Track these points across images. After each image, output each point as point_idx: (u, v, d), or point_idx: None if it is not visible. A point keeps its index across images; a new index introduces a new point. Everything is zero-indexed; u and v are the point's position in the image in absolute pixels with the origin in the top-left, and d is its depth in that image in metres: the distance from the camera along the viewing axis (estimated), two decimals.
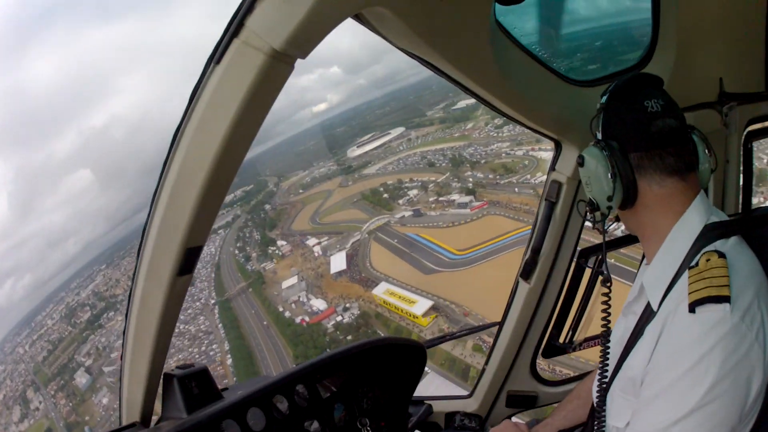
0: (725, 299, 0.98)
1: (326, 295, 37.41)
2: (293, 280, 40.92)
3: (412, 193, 45.54)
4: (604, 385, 1.27)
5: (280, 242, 49.06)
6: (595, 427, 1.26)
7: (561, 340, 2.07)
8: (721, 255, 1.05)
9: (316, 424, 1.69)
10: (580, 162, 1.30)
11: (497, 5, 1.42)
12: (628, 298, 1.35)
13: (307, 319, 35.39)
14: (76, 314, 44.54)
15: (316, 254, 44.00)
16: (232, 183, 1.07)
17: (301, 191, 58.45)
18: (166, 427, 1.37)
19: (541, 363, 2.27)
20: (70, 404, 35.26)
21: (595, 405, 1.34)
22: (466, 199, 40.06)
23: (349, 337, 31.47)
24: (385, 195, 48.00)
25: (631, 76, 1.27)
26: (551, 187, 1.91)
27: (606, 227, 1.32)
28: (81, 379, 36.15)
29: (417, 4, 1.15)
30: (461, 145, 49.48)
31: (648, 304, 1.19)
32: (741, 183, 2.15)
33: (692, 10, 1.67)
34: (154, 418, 1.47)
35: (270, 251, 48.30)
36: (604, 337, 1.31)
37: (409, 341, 1.91)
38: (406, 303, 31.95)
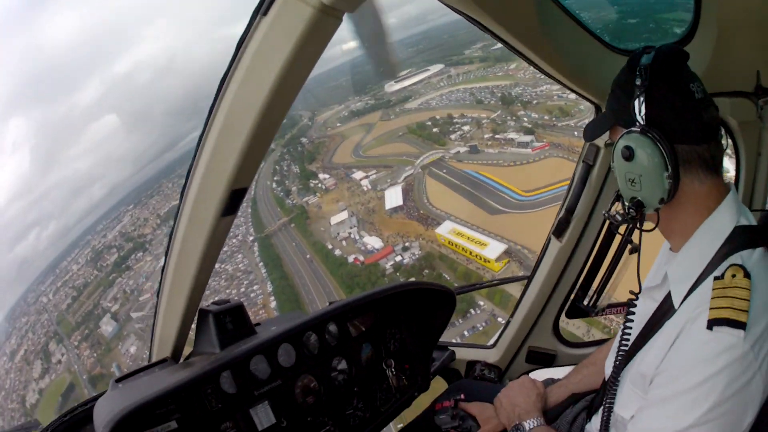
0: (742, 325, 1.14)
1: (381, 233, 39.07)
2: (343, 215, 42.79)
3: (465, 128, 47.74)
4: (618, 363, 1.47)
5: (322, 175, 51.65)
6: (605, 405, 1.49)
7: (586, 302, 2.41)
8: (747, 274, 1.20)
9: (343, 363, 2.06)
10: (628, 154, 1.31)
11: None
12: (648, 280, 1.54)
13: (361, 258, 36.96)
14: (102, 257, 46.64)
15: (365, 188, 46.06)
16: (277, 131, 1.32)
17: (338, 125, 61.97)
18: (198, 362, 1.73)
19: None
20: (95, 355, 36.58)
21: (606, 380, 1.55)
22: (527, 138, 41.37)
23: (411, 279, 32.17)
24: (435, 129, 50.44)
25: (668, 51, 1.32)
26: (589, 149, 2.19)
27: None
28: (107, 327, 37.65)
29: None
30: (507, 84, 52.10)
31: (669, 295, 1.36)
32: None
33: None
34: (185, 354, 1.84)
35: (312, 185, 51.20)
36: (626, 314, 1.50)
37: (440, 286, 2.32)
38: (477, 245, 33.10)
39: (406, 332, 2.35)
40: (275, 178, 55.07)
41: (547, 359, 2.75)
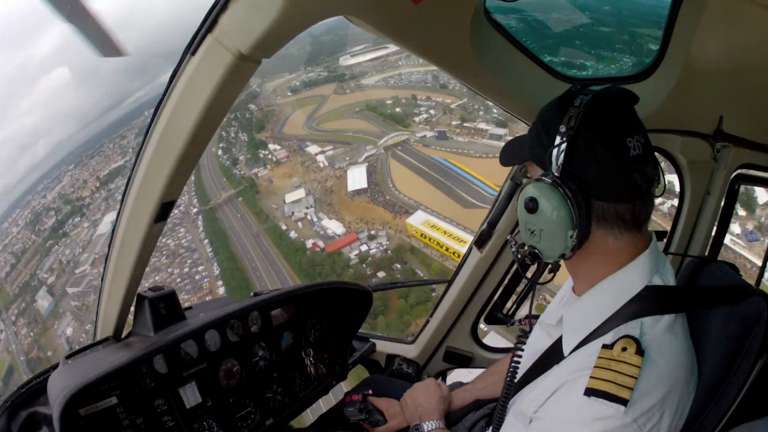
0: (622, 401, 1.15)
1: (342, 217, 37.25)
2: (299, 193, 41.01)
3: (432, 112, 46.53)
4: (506, 393, 1.53)
5: (272, 146, 49.31)
6: (494, 425, 1.56)
7: (504, 311, 2.67)
8: (640, 351, 1.19)
9: (265, 350, 2.36)
10: (531, 206, 1.28)
11: None
12: (546, 313, 1.60)
13: (321, 244, 35.07)
14: (40, 220, 44.69)
15: (321, 165, 44.18)
16: (203, 152, 1.59)
17: (289, 94, 60.32)
18: (135, 343, 2.03)
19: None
20: (32, 334, 34.97)
21: (500, 397, 1.59)
22: (500, 131, 40.07)
23: (381, 274, 31.21)
24: (398, 109, 48.94)
25: (609, 96, 1.27)
26: (518, 169, 2.34)
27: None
28: (43, 301, 35.91)
29: (387, 10, 1.47)
30: None
31: (561, 339, 1.40)
32: (716, 223, 2.62)
33: (706, 44, 2.00)
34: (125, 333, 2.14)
35: (261, 155, 48.88)
36: (518, 341, 1.51)
37: (357, 285, 2.60)
38: (455, 241, 30.72)
39: (326, 324, 2.66)
40: (221, 145, 52.62)
41: (463, 360, 3.05)
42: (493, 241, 2.59)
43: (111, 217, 40.15)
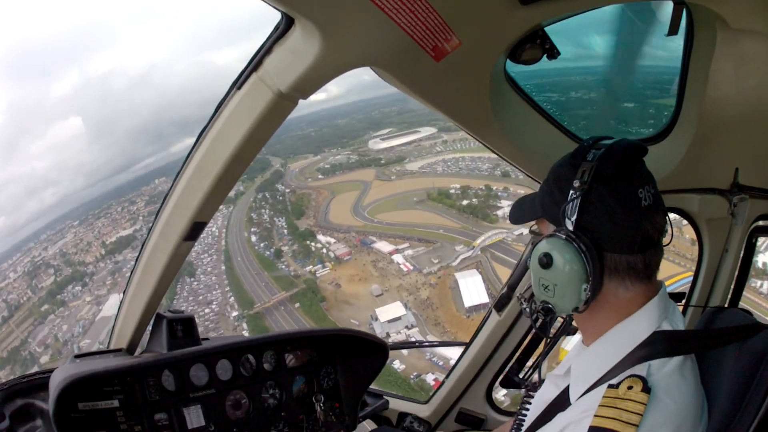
0: None
1: (457, 339, 33.10)
2: (396, 309, 35.95)
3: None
4: None
5: (323, 237, 48.58)
6: None
7: (521, 374, 2.76)
8: (647, 389, 1.20)
9: (275, 389, 2.50)
10: (545, 262, 1.34)
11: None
12: (558, 368, 1.60)
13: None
14: (38, 275, 46.04)
15: (405, 267, 41.25)
16: (238, 179, 1.78)
17: (320, 176, 64.04)
18: (146, 357, 2.14)
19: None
20: None
21: None
22: None
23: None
24: (474, 201, 48.15)
25: (620, 149, 1.33)
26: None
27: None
28: None
29: (410, 65, 1.61)
30: None
31: (568, 388, 1.44)
32: (736, 275, 2.71)
33: (720, 95, 2.10)
34: (139, 350, 2.31)
35: (313, 248, 47.08)
36: (525, 395, 1.68)
37: (375, 338, 2.73)
38: None
39: (341, 374, 2.79)
40: (253, 230, 54.55)
41: (476, 422, 3.11)
42: (512, 304, 2.71)
43: (118, 297, 39.23)
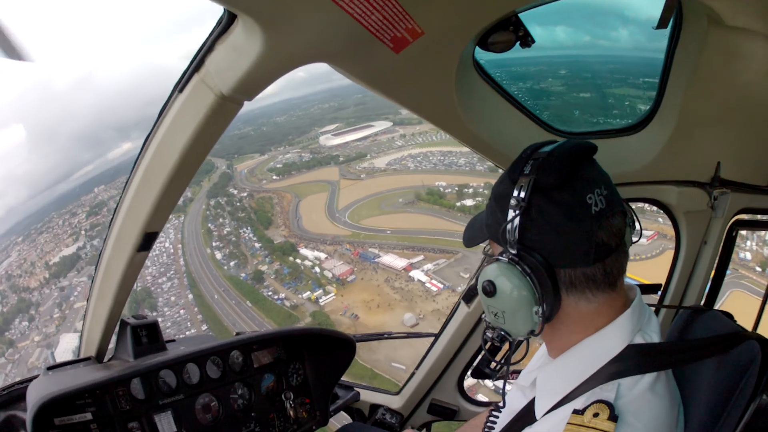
0: None
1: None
2: None
3: None
4: None
5: (309, 252, 43.52)
6: None
7: (492, 365, 2.69)
8: (613, 416, 1.14)
9: (244, 389, 2.58)
10: (489, 290, 1.28)
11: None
12: (522, 376, 1.62)
13: None
14: None
15: (433, 287, 36.43)
16: (186, 187, 1.77)
17: (275, 177, 63.09)
18: (115, 366, 2.25)
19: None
20: None
21: None
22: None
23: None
24: (479, 199, 43.66)
25: (559, 155, 1.23)
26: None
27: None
28: None
29: (366, 59, 1.55)
30: None
31: (534, 401, 1.41)
32: (714, 269, 2.71)
33: (705, 89, 2.10)
34: (108, 355, 2.38)
35: (302, 267, 40.85)
36: (495, 408, 1.64)
37: (341, 334, 2.82)
38: None
39: (309, 369, 2.88)
40: (215, 244, 50.99)
41: (448, 413, 3.23)
42: None
43: (69, 338, 37.44)
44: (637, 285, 1.43)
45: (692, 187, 2.54)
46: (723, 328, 1.67)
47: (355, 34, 1.38)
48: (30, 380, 2.30)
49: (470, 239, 1.55)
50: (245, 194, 59.97)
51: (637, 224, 1.39)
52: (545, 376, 1.43)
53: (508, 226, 1.25)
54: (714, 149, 2.44)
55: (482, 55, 1.96)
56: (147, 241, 1.91)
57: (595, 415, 1.17)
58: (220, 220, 55.42)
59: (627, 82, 2.82)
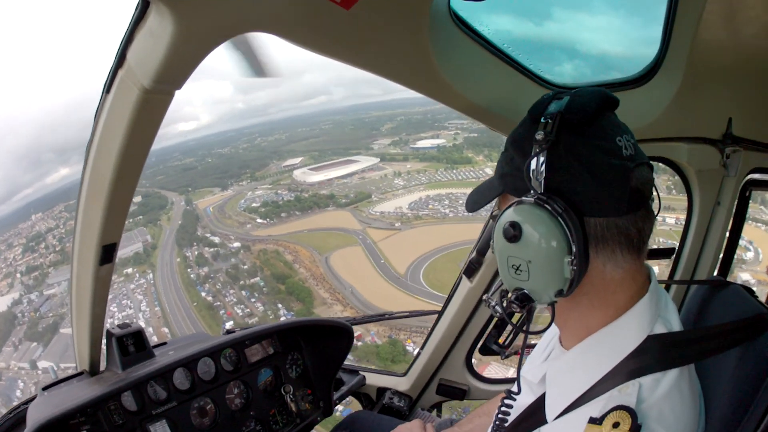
0: None
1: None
2: None
3: None
4: None
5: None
6: None
7: (501, 340, 2.77)
8: (636, 426, 1.06)
9: (240, 387, 2.63)
10: (512, 233, 1.15)
11: None
12: (526, 368, 1.54)
13: None
14: None
15: None
16: (134, 192, 1.73)
17: (261, 221, 55.35)
18: (105, 380, 2.32)
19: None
20: None
21: None
22: None
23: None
24: None
25: (588, 96, 1.17)
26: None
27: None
28: None
29: (309, 21, 1.42)
30: None
31: (544, 398, 1.33)
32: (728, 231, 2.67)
33: (712, 40, 2.02)
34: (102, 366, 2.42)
35: None
36: (507, 397, 1.51)
37: (337, 322, 2.84)
38: None
39: (308, 359, 2.93)
40: (228, 325, 35.64)
41: (458, 393, 3.26)
42: (483, 269, 2.75)
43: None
44: (650, 249, 1.30)
45: (703, 144, 2.48)
46: (745, 309, 1.59)
47: None
48: (31, 400, 2.41)
49: (476, 201, 1.43)
50: (235, 245, 50.94)
51: (655, 195, 1.27)
52: (557, 371, 1.35)
53: (532, 162, 1.16)
54: (724, 104, 2.39)
55: (460, 5, 1.83)
56: (107, 253, 1.93)
57: (615, 425, 1.10)
58: (218, 286, 44.39)
59: (627, 32, 2.70)
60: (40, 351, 38.76)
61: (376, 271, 43.69)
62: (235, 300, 42.28)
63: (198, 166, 73.41)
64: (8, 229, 55.39)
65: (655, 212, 1.25)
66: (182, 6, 1.14)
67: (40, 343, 39.65)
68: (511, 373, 3.46)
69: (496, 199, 1.42)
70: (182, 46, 1.23)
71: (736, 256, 2.91)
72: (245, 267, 46.41)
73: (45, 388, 2.39)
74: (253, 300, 41.87)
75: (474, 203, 1.44)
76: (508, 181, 1.29)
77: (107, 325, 2.42)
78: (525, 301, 1.21)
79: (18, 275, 47.51)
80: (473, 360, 3.29)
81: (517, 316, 1.30)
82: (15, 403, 2.50)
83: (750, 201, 2.82)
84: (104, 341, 2.47)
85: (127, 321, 2.59)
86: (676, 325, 1.25)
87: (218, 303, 41.91)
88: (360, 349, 30.56)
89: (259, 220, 55.91)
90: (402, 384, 3.30)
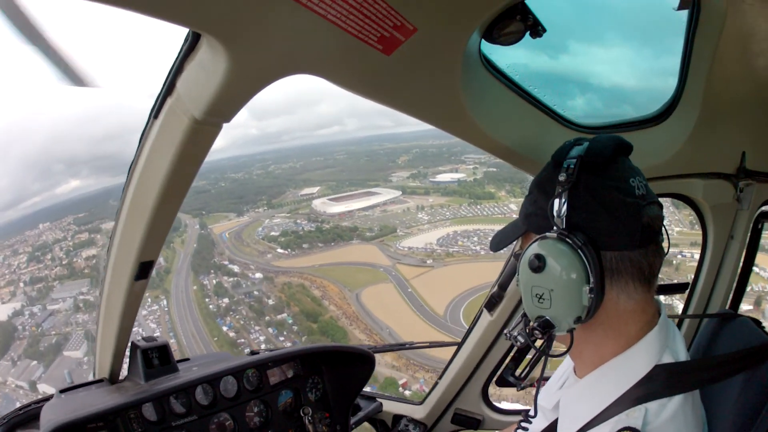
0: None
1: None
2: None
3: None
4: None
5: None
6: None
7: (517, 373, 2.57)
8: None
9: (260, 406, 2.69)
10: (537, 265, 1.30)
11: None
12: (542, 396, 1.67)
13: None
14: None
15: None
16: (176, 215, 1.83)
17: (282, 251, 55.06)
18: (126, 389, 2.37)
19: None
20: None
21: None
22: None
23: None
24: None
25: (605, 141, 1.32)
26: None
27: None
28: None
29: (351, 64, 1.49)
30: None
31: (556, 424, 1.48)
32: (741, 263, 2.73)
33: (725, 75, 2.09)
34: (121, 376, 2.50)
35: None
36: (524, 418, 1.68)
37: (358, 350, 2.90)
38: None
39: (328, 383, 2.99)
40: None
41: (472, 423, 3.31)
42: (504, 303, 2.81)
43: None
44: (665, 284, 1.40)
45: (718, 179, 2.53)
46: (751, 339, 1.68)
47: (333, 39, 1.33)
48: (45, 400, 2.44)
49: (501, 241, 1.59)
50: (257, 276, 49.93)
51: (664, 235, 1.40)
52: (570, 398, 1.47)
53: (555, 202, 1.31)
54: (738, 138, 2.44)
55: (490, 49, 1.90)
56: (143, 270, 1.99)
57: None
58: (239, 319, 43.89)
59: (648, 71, 2.79)
60: (41, 372, 37.99)
61: (411, 311, 42.86)
62: (262, 338, 41.24)
63: (211, 189, 73.44)
64: (14, 234, 56.00)
65: (665, 250, 1.38)
66: (234, 45, 1.19)
67: (41, 363, 38.92)
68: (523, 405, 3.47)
69: (518, 239, 1.56)
70: (234, 82, 1.28)
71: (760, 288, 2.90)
72: (271, 302, 45.27)
73: (62, 391, 2.47)
74: (281, 339, 40.79)
75: (498, 243, 1.60)
76: (532, 221, 1.43)
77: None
78: (546, 327, 1.33)
79: (21, 284, 47.53)
80: (489, 390, 3.32)
81: (537, 344, 1.40)
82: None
83: (763, 232, 2.86)
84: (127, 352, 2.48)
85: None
86: (682, 355, 1.36)
87: (242, 340, 40.74)
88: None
89: (279, 250, 55.21)
90: (418, 412, 3.36)
